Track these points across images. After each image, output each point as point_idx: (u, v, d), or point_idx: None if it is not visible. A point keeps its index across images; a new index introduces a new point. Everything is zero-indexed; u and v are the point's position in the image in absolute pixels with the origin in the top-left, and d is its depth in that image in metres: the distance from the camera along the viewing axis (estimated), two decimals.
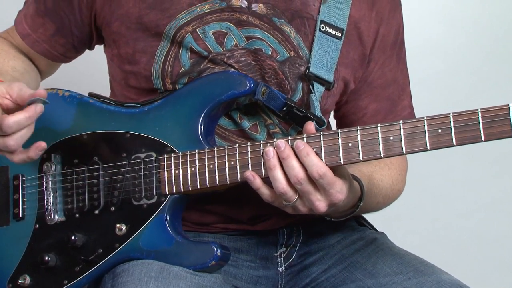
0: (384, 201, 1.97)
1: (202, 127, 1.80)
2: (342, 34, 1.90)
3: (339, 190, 1.66)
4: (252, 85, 1.79)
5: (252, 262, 1.94)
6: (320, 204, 1.66)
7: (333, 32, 1.89)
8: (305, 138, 1.67)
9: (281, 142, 1.66)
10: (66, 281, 1.83)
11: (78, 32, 1.98)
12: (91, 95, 1.93)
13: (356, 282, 1.88)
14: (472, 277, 2.19)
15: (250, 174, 1.70)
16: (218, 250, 1.75)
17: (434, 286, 1.78)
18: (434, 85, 3.11)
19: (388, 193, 1.97)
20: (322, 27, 1.88)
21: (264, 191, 1.70)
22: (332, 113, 2.07)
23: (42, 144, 1.71)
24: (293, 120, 1.86)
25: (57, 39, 2.00)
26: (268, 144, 1.69)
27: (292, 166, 1.64)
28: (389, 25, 1.99)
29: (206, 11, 1.85)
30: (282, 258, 1.96)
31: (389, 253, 1.92)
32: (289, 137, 1.69)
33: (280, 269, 1.96)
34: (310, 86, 1.87)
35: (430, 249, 2.46)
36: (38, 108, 1.67)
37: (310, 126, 1.73)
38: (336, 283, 1.91)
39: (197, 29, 1.84)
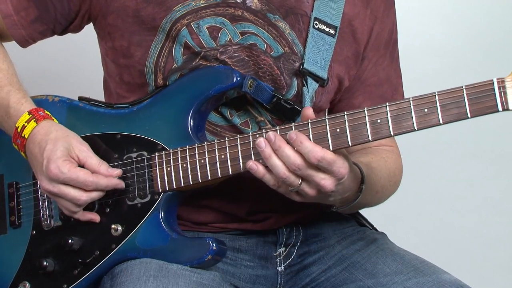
0: (383, 192, 1.95)
1: (192, 123, 1.81)
2: (335, 31, 1.90)
3: (341, 165, 1.64)
4: (238, 78, 1.79)
5: (251, 262, 1.94)
6: (326, 182, 1.64)
7: (327, 29, 1.89)
8: (293, 127, 1.68)
9: (271, 135, 1.65)
10: (66, 285, 1.84)
11: (63, 20, 1.95)
12: (81, 98, 1.94)
13: (356, 282, 1.87)
14: (472, 277, 2.19)
15: (252, 164, 1.68)
16: (214, 244, 1.74)
17: (435, 286, 1.77)
18: (431, 84, 3.09)
19: (386, 184, 1.95)
20: (316, 24, 1.89)
21: (269, 177, 1.68)
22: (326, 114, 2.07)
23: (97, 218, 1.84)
24: (281, 113, 1.86)
25: (36, 26, 1.95)
26: (258, 135, 1.70)
27: (287, 155, 1.63)
28: (383, 24, 2.00)
29: (201, 5, 1.86)
30: (281, 257, 1.95)
31: (390, 253, 1.91)
32: (278, 127, 1.69)
33: (279, 268, 1.95)
34: (304, 81, 1.87)
35: (430, 249, 2.46)
36: (119, 186, 1.80)
37: (308, 111, 1.70)
38: (336, 283, 1.91)
39: (191, 23, 1.85)
